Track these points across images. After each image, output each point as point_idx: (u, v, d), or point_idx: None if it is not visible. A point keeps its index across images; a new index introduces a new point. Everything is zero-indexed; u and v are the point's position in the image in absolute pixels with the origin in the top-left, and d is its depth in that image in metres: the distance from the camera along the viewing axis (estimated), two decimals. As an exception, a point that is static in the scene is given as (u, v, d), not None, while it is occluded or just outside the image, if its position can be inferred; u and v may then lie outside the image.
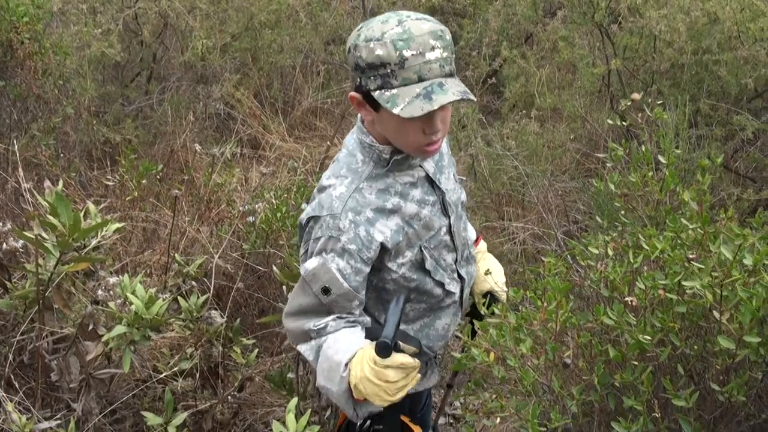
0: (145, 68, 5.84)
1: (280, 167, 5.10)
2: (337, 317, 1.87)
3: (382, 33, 1.72)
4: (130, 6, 5.37)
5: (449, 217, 2.03)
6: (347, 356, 1.77)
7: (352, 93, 1.86)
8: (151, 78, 5.86)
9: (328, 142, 4.77)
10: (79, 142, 4.76)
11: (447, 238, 2.03)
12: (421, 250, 1.97)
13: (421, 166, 1.98)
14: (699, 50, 4.45)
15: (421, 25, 1.74)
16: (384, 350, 1.65)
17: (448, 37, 1.77)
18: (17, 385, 2.58)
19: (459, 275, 2.08)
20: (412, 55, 1.70)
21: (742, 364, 1.60)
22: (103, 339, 2.48)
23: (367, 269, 1.89)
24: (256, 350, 3.14)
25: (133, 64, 5.81)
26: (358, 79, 1.80)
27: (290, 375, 2.92)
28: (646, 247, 1.74)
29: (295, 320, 1.90)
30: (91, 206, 2.80)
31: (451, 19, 6.64)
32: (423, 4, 6.18)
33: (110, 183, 4.01)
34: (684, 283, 1.55)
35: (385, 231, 1.89)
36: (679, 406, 1.56)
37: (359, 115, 1.95)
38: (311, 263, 1.86)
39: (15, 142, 3.56)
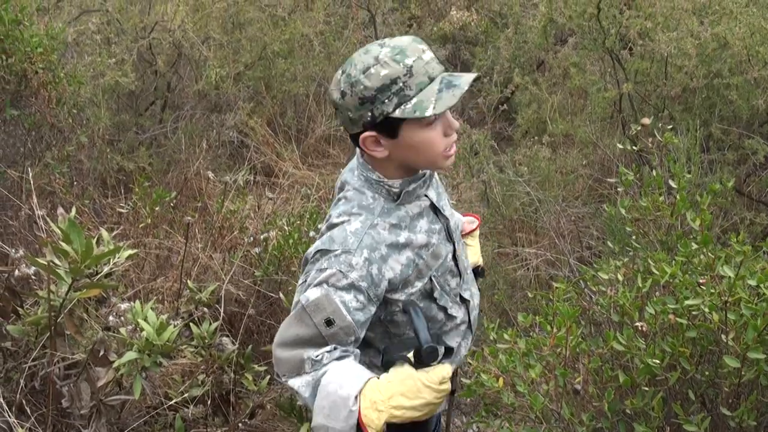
0: (160, 97, 5.90)
1: (293, 194, 5.12)
2: (334, 348, 1.79)
3: (375, 57, 1.74)
4: (144, 36, 5.44)
5: (453, 243, 2.03)
6: (356, 388, 1.67)
7: (365, 134, 1.83)
8: (166, 107, 5.91)
9: (341, 170, 4.78)
10: (93, 169, 4.80)
11: (452, 263, 2.03)
12: (431, 280, 1.96)
13: (426, 196, 1.97)
14: (710, 74, 4.46)
15: (399, 40, 1.77)
16: (431, 354, 1.63)
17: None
18: (29, 411, 2.58)
19: (462, 298, 2.06)
20: (414, 60, 1.72)
21: (750, 386, 1.59)
22: (114, 365, 2.48)
23: (373, 308, 1.85)
24: (268, 377, 3.13)
25: (147, 93, 5.86)
26: (369, 114, 1.78)
27: (300, 402, 2.91)
28: (656, 272, 1.73)
29: (290, 350, 1.79)
30: (104, 233, 2.82)
31: (463, 47, 6.69)
32: (435, 33, 6.24)
33: (124, 210, 4.04)
34: (687, 302, 1.54)
35: (395, 267, 1.87)
36: (691, 432, 1.55)
37: (357, 155, 1.95)
38: (313, 293, 1.78)
39: (29, 170, 3.59)
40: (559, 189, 4.74)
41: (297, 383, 1.78)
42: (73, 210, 2.84)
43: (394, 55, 1.73)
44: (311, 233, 3.51)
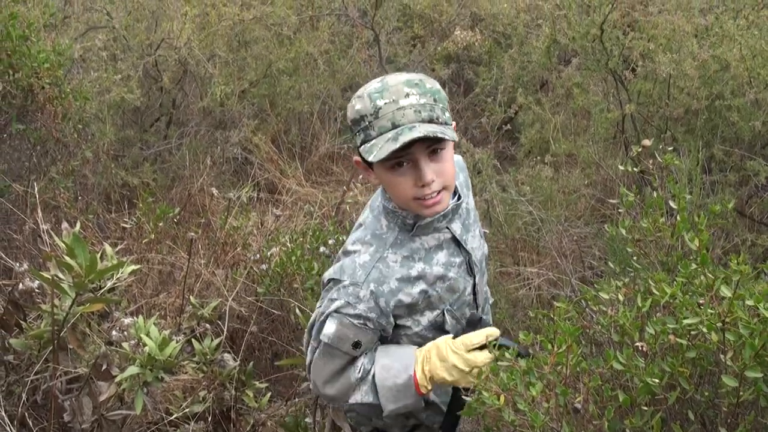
0: (165, 113, 5.94)
1: (296, 211, 5.14)
2: (363, 354, 1.90)
3: (364, 89, 1.79)
4: (150, 54, 5.48)
5: (474, 277, 2.03)
6: (408, 372, 1.85)
7: (356, 157, 1.89)
8: (170, 123, 5.94)
9: (345, 187, 4.81)
10: (98, 185, 4.83)
11: (470, 297, 2.04)
12: (444, 314, 1.97)
13: (447, 228, 1.96)
14: (711, 96, 4.48)
15: (398, 77, 1.79)
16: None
17: (429, 85, 1.79)
18: (31, 425, 2.59)
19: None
20: (385, 103, 1.74)
21: (749, 407, 1.60)
22: (116, 380, 2.49)
23: (388, 328, 1.93)
24: (269, 394, 3.13)
25: (152, 110, 5.90)
26: (353, 140, 1.84)
27: (307, 420, 2.90)
28: (656, 292, 1.74)
29: (336, 383, 1.90)
30: (108, 248, 2.83)
31: (467, 66, 6.73)
32: (439, 53, 6.28)
33: (127, 225, 4.06)
34: (686, 321, 1.55)
35: (405, 299, 1.90)
36: (690, 452, 1.55)
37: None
38: (329, 328, 1.85)
39: (35, 184, 3.62)
40: (561, 209, 4.75)
41: (358, 398, 1.90)
42: (77, 225, 2.86)
43: (374, 92, 1.76)
44: (321, 248, 3.52)
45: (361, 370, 1.88)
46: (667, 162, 2.27)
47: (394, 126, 1.73)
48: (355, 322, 1.84)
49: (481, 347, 1.83)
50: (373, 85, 1.79)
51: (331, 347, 1.85)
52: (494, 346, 1.78)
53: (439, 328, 1.98)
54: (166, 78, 5.50)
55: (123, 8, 5.52)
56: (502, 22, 6.16)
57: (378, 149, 1.72)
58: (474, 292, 2.05)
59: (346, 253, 1.94)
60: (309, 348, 1.93)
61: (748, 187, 4.48)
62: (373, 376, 1.87)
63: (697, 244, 1.82)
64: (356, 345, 1.85)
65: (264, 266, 3.61)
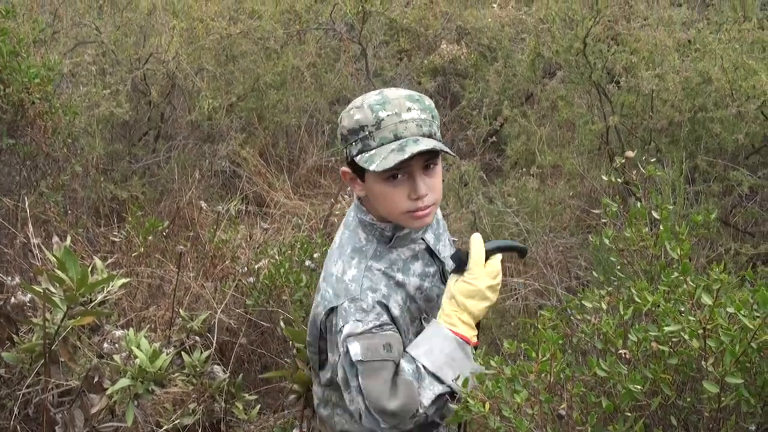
0: (153, 127, 5.96)
1: (284, 224, 5.17)
2: (401, 357, 1.85)
3: (362, 101, 1.81)
4: (138, 68, 5.51)
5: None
6: (449, 335, 1.83)
7: (343, 168, 1.90)
8: (159, 137, 5.97)
9: (332, 200, 4.84)
10: (87, 198, 4.84)
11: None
12: (422, 322, 1.99)
13: (422, 239, 2.00)
14: (694, 108, 4.55)
15: (398, 91, 1.82)
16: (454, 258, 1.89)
17: (428, 102, 1.84)
18: (22, 439, 2.61)
19: None
20: (388, 115, 1.77)
21: (730, 411, 1.64)
22: (108, 392, 2.51)
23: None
24: (258, 406, 3.15)
25: (140, 123, 5.92)
26: (345, 151, 1.85)
27: (295, 431, 2.92)
28: (639, 300, 1.78)
29: (396, 392, 1.79)
30: (98, 262, 2.86)
31: (453, 79, 6.79)
32: (425, 66, 6.33)
33: (117, 239, 4.08)
34: (667, 328, 1.59)
35: (394, 308, 1.91)
36: (672, 457, 1.59)
37: (355, 193, 1.98)
38: (354, 349, 1.79)
39: (25, 198, 3.63)
40: (547, 220, 4.80)
41: (429, 394, 1.81)
42: (68, 238, 2.89)
43: (375, 104, 1.79)
44: (307, 262, 3.54)
45: (411, 371, 1.81)
46: (650, 173, 2.31)
47: (397, 137, 1.77)
48: (373, 331, 1.82)
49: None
50: (373, 97, 1.81)
51: (368, 362, 1.78)
52: (495, 252, 1.91)
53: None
54: (155, 92, 5.53)
55: (111, 23, 5.55)
56: (487, 36, 6.22)
57: (381, 159, 1.75)
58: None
59: (329, 276, 1.91)
60: (354, 391, 1.82)
61: (731, 197, 4.54)
62: (425, 368, 1.81)
63: (679, 253, 1.86)
64: (388, 348, 1.81)
65: (251, 279, 3.64)
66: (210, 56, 5.76)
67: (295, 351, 2.66)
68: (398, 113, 1.78)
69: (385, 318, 1.85)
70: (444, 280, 2.04)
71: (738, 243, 4.25)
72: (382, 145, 1.78)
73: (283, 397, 3.58)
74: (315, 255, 3.56)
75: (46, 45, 4.92)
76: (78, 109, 4.22)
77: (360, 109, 1.80)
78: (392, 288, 1.91)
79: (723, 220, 4.45)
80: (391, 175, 1.80)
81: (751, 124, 4.30)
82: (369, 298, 1.85)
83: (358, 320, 1.83)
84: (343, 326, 1.83)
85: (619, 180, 2.67)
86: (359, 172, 1.86)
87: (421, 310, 1.98)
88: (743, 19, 4.93)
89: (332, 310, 1.88)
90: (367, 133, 1.79)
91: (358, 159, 1.81)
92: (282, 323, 2.95)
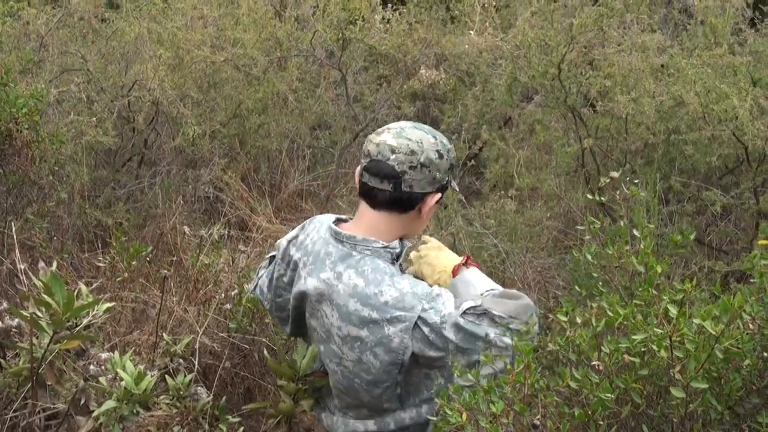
0: (137, 153, 6.01)
1: (267, 248, 5.21)
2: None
3: (444, 139, 2.10)
4: (124, 95, 5.57)
5: None
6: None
7: (435, 195, 2.10)
8: (142, 163, 6.01)
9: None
10: (72, 225, 4.87)
11: None
12: None
13: None
14: (668, 130, 4.66)
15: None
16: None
17: None
18: (9, 462, 2.63)
19: None
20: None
21: (698, 418, 1.71)
22: (94, 414, 2.54)
23: None
24: (242, 428, 3.18)
25: (124, 150, 5.97)
26: (447, 179, 2.11)
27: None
28: (610, 314, 1.85)
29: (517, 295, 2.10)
30: (83, 287, 2.89)
31: (432, 104, 6.89)
32: (405, 91, 6.42)
33: (102, 264, 4.11)
34: (635, 337, 1.66)
35: None
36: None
37: (363, 228, 2.14)
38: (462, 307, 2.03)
39: (12, 225, 3.66)
40: (525, 241, 4.88)
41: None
42: (54, 264, 2.92)
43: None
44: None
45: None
46: (633, 194, 2.39)
47: None
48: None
49: None
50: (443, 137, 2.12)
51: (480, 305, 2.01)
52: None
53: None
54: (140, 119, 5.58)
55: (97, 51, 5.61)
56: (465, 62, 6.32)
57: (456, 185, 2.19)
58: None
59: (384, 308, 2.02)
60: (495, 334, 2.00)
61: (705, 216, 4.65)
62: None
63: (644, 269, 1.94)
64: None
65: (228, 305, 3.69)
66: (193, 83, 5.83)
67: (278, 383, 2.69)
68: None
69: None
70: None
71: (712, 261, 4.35)
72: None
73: (264, 421, 3.61)
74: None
75: (31, 73, 4.97)
76: (64, 137, 4.27)
77: (451, 147, 2.09)
78: None
79: (697, 239, 4.55)
80: None
81: (724, 146, 4.41)
82: (429, 287, 2.05)
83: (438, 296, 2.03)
84: (444, 314, 2.00)
85: (602, 199, 2.75)
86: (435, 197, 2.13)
87: None
88: (715, 44, 5.07)
89: (418, 322, 2.00)
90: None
91: (452, 184, 2.17)
92: (266, 352, 2.99)
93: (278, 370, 2.69)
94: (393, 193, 2.03)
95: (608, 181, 2.66)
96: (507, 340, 1.94)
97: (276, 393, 2.68)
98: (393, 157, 2.00)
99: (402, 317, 1.99)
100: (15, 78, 3.90)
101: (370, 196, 2.09)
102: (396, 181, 2.01)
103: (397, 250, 2.11)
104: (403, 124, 2.10)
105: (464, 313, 1.96)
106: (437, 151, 2.04)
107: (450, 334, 1.96)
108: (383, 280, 2.03)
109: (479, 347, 1.94)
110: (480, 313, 1.95)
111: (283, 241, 2.37)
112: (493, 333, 1.95)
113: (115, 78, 5.54)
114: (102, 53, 5.67)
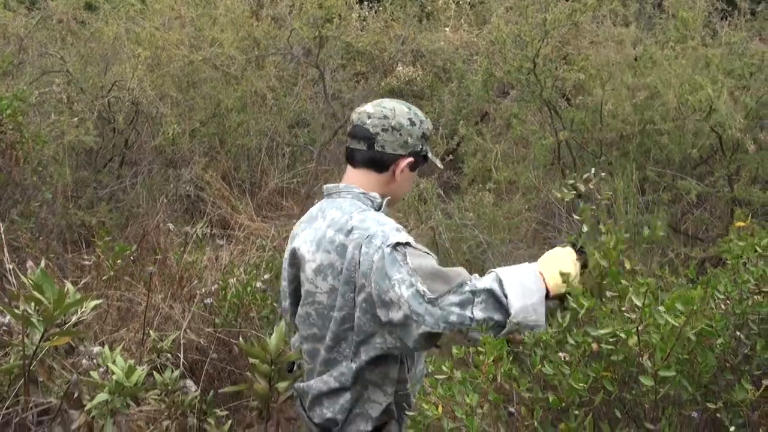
0: (118, 153, 6.02)
1: (249, 245, 5.25)
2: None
3: (418, 112, 2.25)
4: (104, 95, 5.59)
5: None
6: (528, 271, 2.15)
7: (407, 159, 2.23)
8: (123, 163, 6.03)
9: (295, 221, 4.94)
10: (56, 225, 4.89)
11: None
12: None
13: None
14: (643, 121, 4.75)
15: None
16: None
17: None
18: (2, 458, 2.67)
19: None
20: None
21: (671, 400, 1.78)
22: (87, 408, 2.59)
23: None
24: (230, 421, 3.23)
25: (105, 150, 5.99)
26: (420, 146, 2.25)
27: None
28: (574, 305, 1.90)
29: (446, 277, 2.08)
30: (70, 286, 2.93)
31: (410, 100, 6.92)
32: (383, 88, 6.48)
33: (88, 262, 4.14)
34: (601, 331, 1.73)
35: None
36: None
37: (344, 183, 2.28)
38: (400, 238, 2.05)
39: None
40: (504, 232, 4.95)
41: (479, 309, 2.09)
42: (42, 262, 2.96)
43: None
44: (258, 284, 3.68)
45: (476, 276, 2.13)
46: (606, 198, 2.43)
47: None
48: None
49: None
50: (419, 110, 2.27)
51: (414, 248, 2.05)
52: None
53: None
54: (120, 119, 5.60)
55: (76, 53, 5.63)
56: (442, 58, 6.40)
57: (437, 160, 2.34)
58: None
59: (361, 225, 2.12)
60: (402, 286, 2.01)
61: (680, 204, 4.74)
62: (497, 275, 2.10)
63: (606, 263, 2.02)
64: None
65: (209, 300, 3.74)
66: (172, 83, 5.86)
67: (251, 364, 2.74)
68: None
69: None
70: None
71: (688, 248, 4.44)
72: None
73: (249, 414, 3.67)
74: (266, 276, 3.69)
75: (12, 75, 4.98)
76: (46, 138, 4.30)
77: (425, 121, 2.26)
78: None
79: (673, 227, 4.65)
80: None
81: (699, 136, 4.51)
82: (397, 225, 2.13)
83: (399, 231, 2.09)
84: (387, 235, 2.06)
85: (574, 193, 2.81)
86: (416, 164, 2.26)
87: None
88: (687, 37, 5.16)
89: (366, 240, 2.08)
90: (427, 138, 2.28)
91: (430, 156, 2.30)
92: (241, 339, 3.04)
93: (251, 352, 2.75)
94: (367, 151, 2.23)
95: (584, 181, 2.71)
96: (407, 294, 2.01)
97: (251, 377, 2.72)
98: (369, 121, 2.22)
99: (358, 234, 2.10)
100: (-2, 81, 3.93)
101: (351, 157, 2.28)
102: (370, 141, 2.22)
103: (378, 200, 2.24)
104: (383, 99, 2.35)
105: (395, 247, 2.04)
106: (409, 119, 2.23)
107: (375, 256, 2.05)
108: (355, 211, 2.19)
109: (386, 288, 2.02)
110: (404, 260, 2.03)
111: (285, 254, 2.46)
112: (404, 281, 2.02)
113: (95, 79, 5.56)
114: (81, 54, 5.68)
